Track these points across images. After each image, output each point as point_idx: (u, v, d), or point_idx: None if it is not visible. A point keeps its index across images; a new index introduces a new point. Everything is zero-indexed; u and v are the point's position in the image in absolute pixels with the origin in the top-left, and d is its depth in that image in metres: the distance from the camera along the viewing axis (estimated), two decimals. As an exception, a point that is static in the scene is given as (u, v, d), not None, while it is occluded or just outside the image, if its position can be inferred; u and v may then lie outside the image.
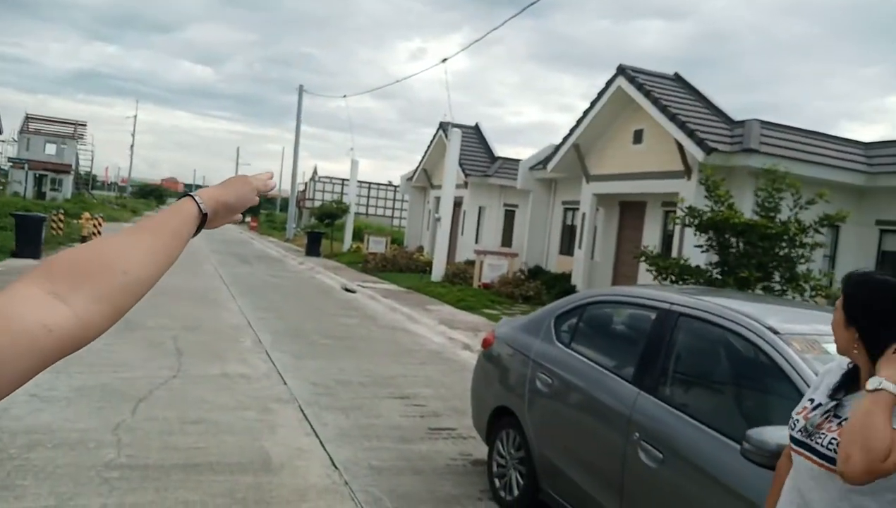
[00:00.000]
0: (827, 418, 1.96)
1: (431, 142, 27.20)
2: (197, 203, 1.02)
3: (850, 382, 2.01)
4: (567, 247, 20.27)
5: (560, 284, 17.76)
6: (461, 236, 24.89)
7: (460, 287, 17.70)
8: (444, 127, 24.52)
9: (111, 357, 7.72)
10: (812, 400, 2.07)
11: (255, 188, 1.16)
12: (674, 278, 9.25)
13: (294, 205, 43.27)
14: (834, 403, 1.98)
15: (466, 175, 23.97)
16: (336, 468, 5.03)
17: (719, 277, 9.09)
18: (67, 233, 21.80)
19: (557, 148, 18.70)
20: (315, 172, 62.87)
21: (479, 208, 25.21)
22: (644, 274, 13.42)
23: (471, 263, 19.62)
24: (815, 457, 1.92)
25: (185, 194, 1.04)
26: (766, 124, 14.51)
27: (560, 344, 4.47)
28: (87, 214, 22.50)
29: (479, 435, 5.29)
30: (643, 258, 9.82)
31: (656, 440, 3.34)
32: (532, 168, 21.19)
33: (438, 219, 20.44)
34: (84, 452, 4.80)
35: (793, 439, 2.03)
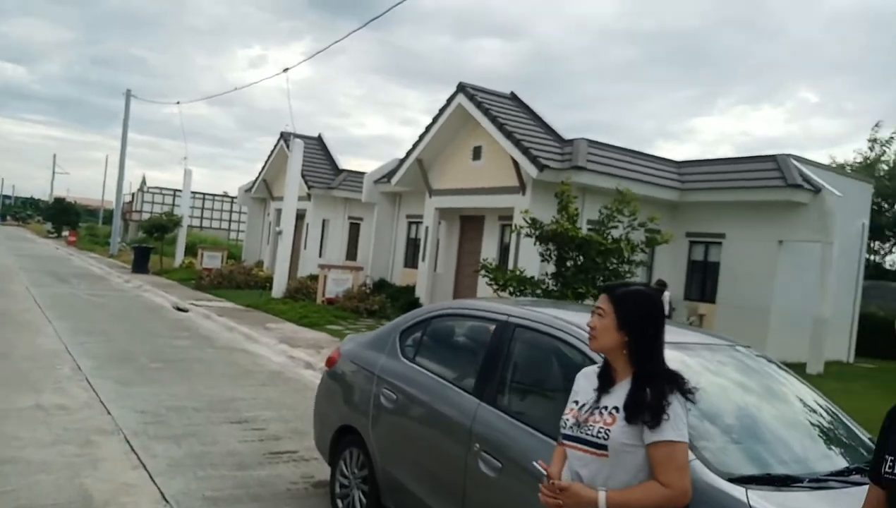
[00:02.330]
0: (591, 413, 2.35)
1: (272, 152, 26.47)
2: None
3: (605, 381, 2.41)
4: (412, 260, 20.53)
5: (404, 297, 17.92)
6: (304, 250, 24.40)
7: (303, 303, 17.30)
8: (285, 137, 23.96)
9: None
10: (577, 402, 2.46)
11: None
12: (512, 290, 9.63)
13: (119, 218, 40.21)
14: (595, 398, 2.39)
15: (309, 187, 23.58)
16: (167, 501, 4.68)
17: (555, 289, 9.59)
18: None
19: (401, 162, 18.91)
20: (143, 182, 59.02)
21: (323, 221, 24.87)
22: (484, 286, 13.90)
23: (314, 278, 19.25)
24: (584, 447, 2.31)
25: None
26: (592, 143, 15.60)
27: (405, 359, 4.48)
28: None
29: (321, 457, 5.17)
30: (483, 271, 10.14)
31: (495, 449, 3.43)
32: (377, 181, 21.27)
33: (280, 233, 19.88)
34: None
35: (565, 436, 2.40)
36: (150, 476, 5.10)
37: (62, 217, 63.68)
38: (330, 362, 5.19)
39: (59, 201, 70.25)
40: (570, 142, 15.64)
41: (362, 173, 23.00)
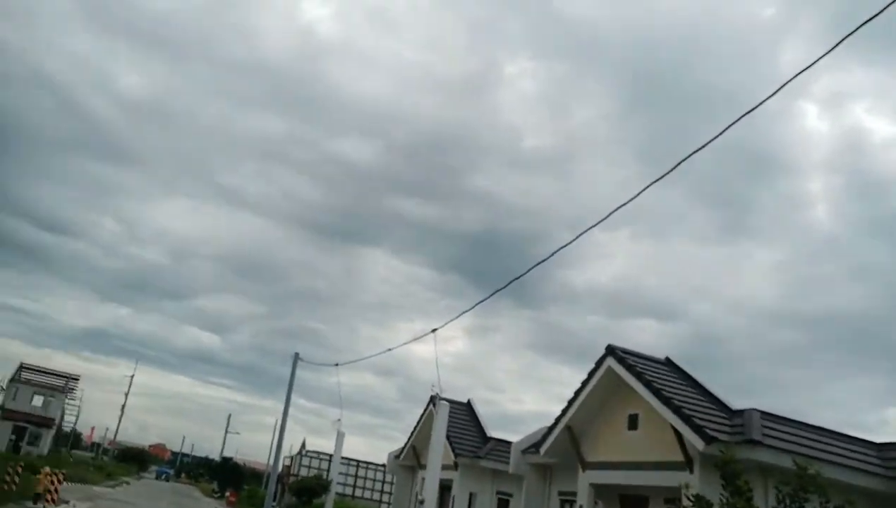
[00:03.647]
0: None
1: (421, 416, 26.29)
2: None
3: None
4: (564, 544, 18.29)
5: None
6: (448, 524, 22.78)
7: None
8: (433, 400, 23.86)
9: None
10: None
11: None
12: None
13: (275, 481, 40.75)
14: None
15: (456, 454, 22.70)
16: None
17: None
18: (22, 488, 20.09)
19: (550, 430, 17.81)
20: (303, 446, 60.60)
21: (470, 494, 23.43)
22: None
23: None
24: None
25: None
26: (766, 415, 13.85)
27: None
28: (46, 469, 20.92)
29: None
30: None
31: None
32: (525, 451, 20.04)
33: (421, 502, 18.76)
34: None
35: None
36: None
37: (228, 477, 65.96)
38: None
39: (226, 460, 73.42)
40: (740, 412, 14.00)
41: (510, 442, 21.92)
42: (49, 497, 19.87)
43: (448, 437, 20.23)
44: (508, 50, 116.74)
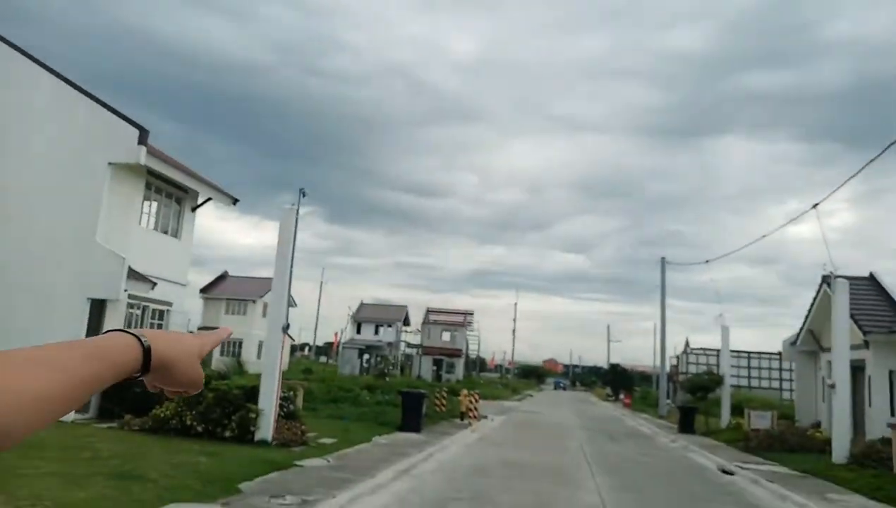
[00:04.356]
0: None
1: (814, 300, 23.73)
2: (145, 356, 0.79)
3: None
4: None
5: None
6: (869, 408, 20.41)
7: (875, 472, 14.05)
8: (826, 280, 21.29)
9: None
10: None
11: (202, 353, 0.89)
12: None
13: (665, 380, 41.24)
14: None
15: (865, 332, 20.05)
16: None
17: None
18: (449, 409, 23.58)
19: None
20: (686, 345, 59.95)
21: (890, 372, 20.59)
22: None
23: (887, 441, 15.65)
24: None
25: (136, 337, 0.80)
26: None
27: None
28: (464, 391, 24.22)
29: None
30: None
31: None
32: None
33: (832, 387, 17.08)
34: None
35: None
36: None
37: (618, 381, 68.97)
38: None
39: (615, 367, 76.61)
40: None
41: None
42: (471, 413, 22.97)
43: (852, 316, 17.94)
44: None
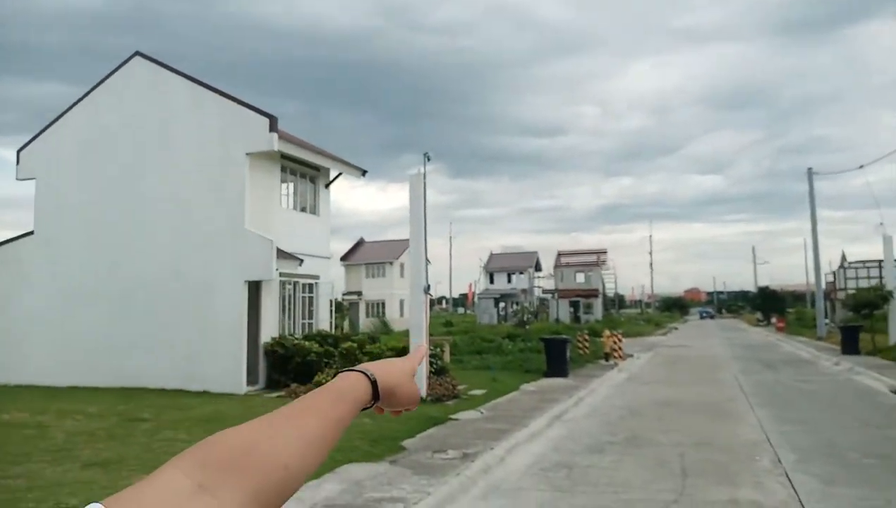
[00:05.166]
0: None
1: None
2: (373, 388, 0.92)
3: None
4: None
5: None
6: None
7: None
8: None
9: (615, 475, 7.61)
10: None
11: (413, 372, 1.01)
12: None
13: (822, 299, 38.67)
14: None
15: None
16: None
17: None
18: (593, 351, 23.52)
19: None
20: (843, 258, 55.78)
21: None
22: None
23: None
24: None
25: (362, 373, 0.92)
26: None
27: None
28: (606, 332, 23.99)
29: None
30: None
31: None
32: None
33: None
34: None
35: None
36: None
37: (769, 304, 65.50)
38: None
39: (763, 289, 72.72)
40: None
41: None
42: (616, 354, 22.80)
43: None
44: None
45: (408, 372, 0.99)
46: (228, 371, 14.29)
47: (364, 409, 0.92)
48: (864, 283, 42.61)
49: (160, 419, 10.71)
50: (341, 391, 0.87)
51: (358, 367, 0.93)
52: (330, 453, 0.81)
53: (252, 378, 14.74)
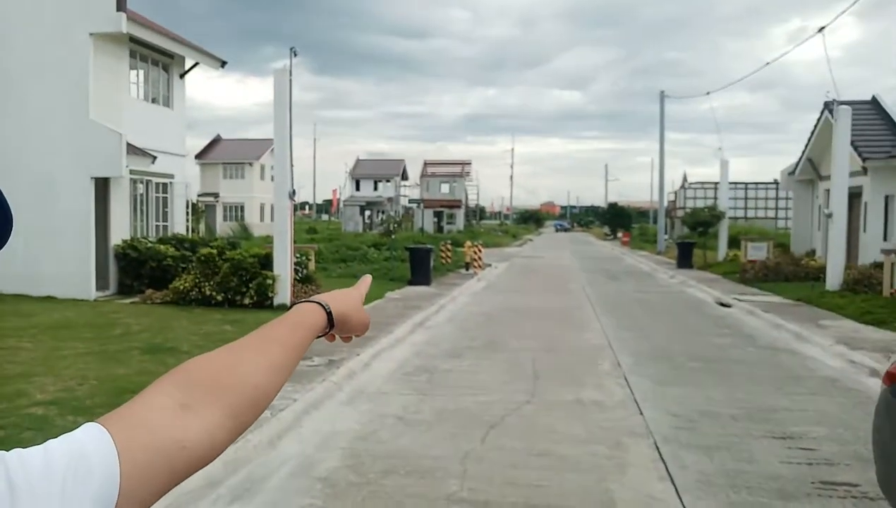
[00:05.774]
0: None
1: (815, 126, 23.58)
2: (328, 316, 0.97)
3: None
4: None
5: None
6: (863, 233, 20.95)
7: (865, 296, 14.73)
8: (829, 106, 21.05)
9: (474, 379, 8.04)
10: None
11: (362, 299, 1.09)
12: None
13: (664, 217, 41.87)
14: None
15: (864, 158, 20.15)
16: (693, 524, 4.25)
17: None
18: (454, 260, 24.24)
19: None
20: (685, 179, 60.34)
21: (886, 197, 20.92)
22: None
23: (878, 266, 16.24)
24: None
25: (318, 303, 0.98)
26: None
27: None
28: (468, 243, 24.76)
29: (888, 500, 3.98)
30: None
31: None
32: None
33: (829, 216, 17.46)
34: (431, 482, 4.89)
35: None
36: (677, 492, 4.74)
37: (616, 220, 70.03)
38: (890, 378, 3.96)
39: (613, 206, 77.46)
40: None
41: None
42: (476, 264, 23.66)
43: (852, 142, 17.94)
44: None
45: (358, 301, 1.06)
46: (75, 275, 13.34)
47: (318, 337, 0.98)
48: (701, 203, 46.49)
49: (-4, 325, 9.90)
50: (299, 320, 0.93)
51: (313, 298, 0.99)
52: (292, 372, 0.88)
53: (102, 283, 13.88)
